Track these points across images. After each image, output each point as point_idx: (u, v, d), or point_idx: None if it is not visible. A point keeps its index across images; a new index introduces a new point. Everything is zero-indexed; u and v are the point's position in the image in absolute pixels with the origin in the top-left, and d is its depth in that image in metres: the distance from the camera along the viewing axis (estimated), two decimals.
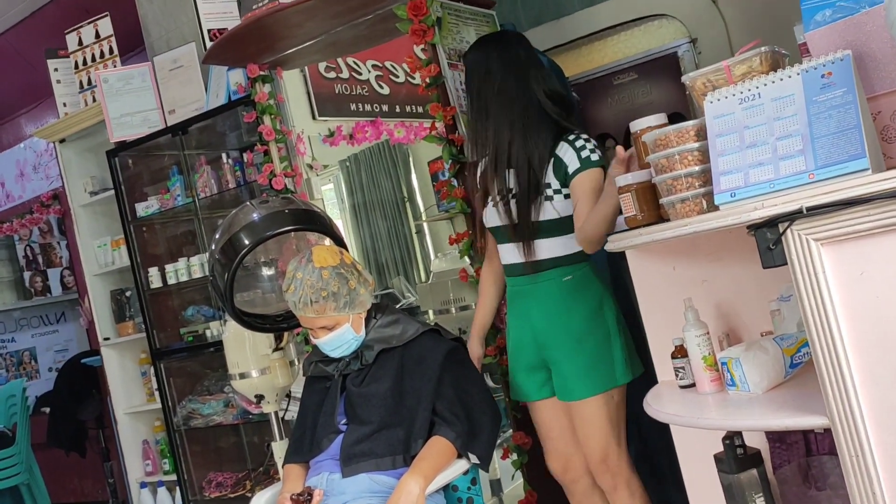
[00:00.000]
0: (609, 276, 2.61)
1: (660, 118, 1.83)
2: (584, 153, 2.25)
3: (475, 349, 2.54)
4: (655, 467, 3.11)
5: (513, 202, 2.30)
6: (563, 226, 2.28)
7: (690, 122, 1.63)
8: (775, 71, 1.54)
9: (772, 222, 1.39)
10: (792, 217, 1.37)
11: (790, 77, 1.49)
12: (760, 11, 3.28)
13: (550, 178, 2.28)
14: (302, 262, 2.20)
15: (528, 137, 2.28)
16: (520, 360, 2.43)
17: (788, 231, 1.38)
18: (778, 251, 1.40)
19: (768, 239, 1.41)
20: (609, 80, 3.84)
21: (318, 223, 2.39)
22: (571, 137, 2.28)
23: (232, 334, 2.77)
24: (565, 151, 2.27)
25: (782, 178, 1.46)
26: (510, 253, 2.37)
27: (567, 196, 2.27)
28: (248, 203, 2.40)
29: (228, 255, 2.27)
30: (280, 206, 2.33)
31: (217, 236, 2.35)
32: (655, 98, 3.72)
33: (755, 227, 1.42)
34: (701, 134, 1.61)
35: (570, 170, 2.25)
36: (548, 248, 2.30)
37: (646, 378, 3.09)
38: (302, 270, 2.18)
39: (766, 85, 1.52)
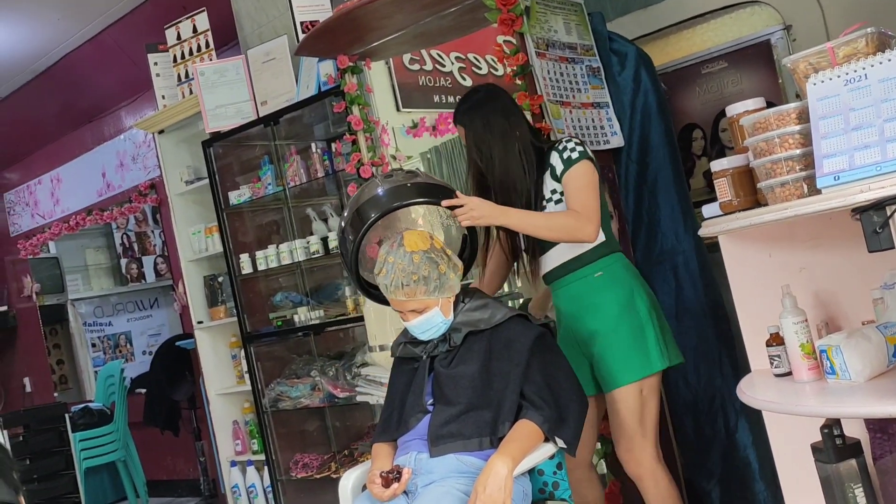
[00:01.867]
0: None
1: (758, 102, 1.80)
2: (566, 154, 2.42)
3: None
4: (746, 464, 3.06)
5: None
6: None
7: (792, 105, 1.60)
8: (882, 52, 1.50)
9: (879, 205, 1.36)
10: None
11: None
12: None
13: (553, 184, 2.44)
14: (393, 247, 2.25)
15: (516, 168, 2.46)
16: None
17: None
18: (885, 235, 1.37)
19: (875, 222, 1.38)
20: (697, 70, 3.76)
21: (443, 195, 2.37)
22: (558, 145, 2.46)
23: (373, 307, 2.84)
24: (554, 158, 2.44)
25: (890, 161, 1.42)
26: (545, 263, 2.52)
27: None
28: (373, 178, 2.45)
29: (355, 226, 2.33)
30: (403, 179, 2.35)
31: (345, 211, 2.42)
32: (746, 87, 3.63)
33: (861, 211, 1.39)
34: (802, 116, 1.59)
35: (559, 172, 2.42)
36: (562, 251, 2.45)
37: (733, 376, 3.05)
38: (393, 254, 2.23)
39: (872, 66, 1.48)
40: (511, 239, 2.61)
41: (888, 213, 1.36)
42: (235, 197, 4.12)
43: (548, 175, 2.45)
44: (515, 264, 2.69)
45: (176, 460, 5.81)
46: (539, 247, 2.50)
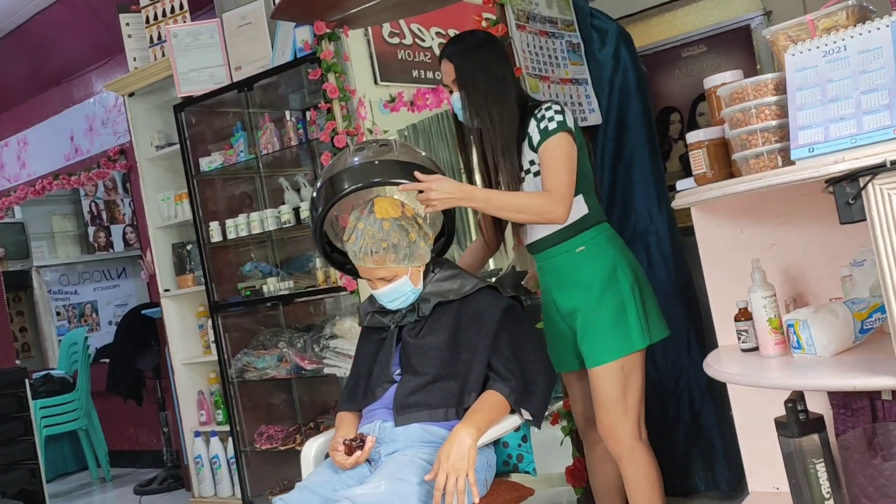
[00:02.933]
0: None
1: (736, 74, 1.79)
2: (543, 123, 2.28)
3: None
4: (709, 444, 3.08)
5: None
6: None
7: (769, 76, 1.59)
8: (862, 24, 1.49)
9: (852, 176, 1.35)
10: (874, 171, 1.33)
11: (878, 29, 1.44)
12: None
13: (530, 154, 2.32)
14: (364, 213, 2.21)
15: (503, 127, 2.32)
16: (551, 334, 2.50)
17: (870, 185, 1.34)
18: (857, 206, 1.36)
19: (847, 193, 1.37)
20: (678, 53, 3.76)
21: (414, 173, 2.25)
22: (536, 111, 2.31)
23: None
24: (531, 126, 2.31)
25: (865, 133, 1.41)
26: (529, 233, 2.43)
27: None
28: (347, 147, 2.36)
29: (323, 198, 2.26)
30: (374, 155, 2.25)
31: (318, 180, 2.34)
32: (725, 71, 3.63)
33: (834, 182, 1.38)
34: (780, 88, 1.57)
35: (535, 143, 2.29)
36: (540, 227, 2.35)
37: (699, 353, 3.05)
38: (364, 221, 2.19)
39: (852, 37, 1.47)
40: (491, 217, 2.50)
41: (861, 185, 1.35)
42: (206, 164, 4.05)
43: (525, 144, 2.33)
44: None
45: (139, 430, 5.75)
46: None
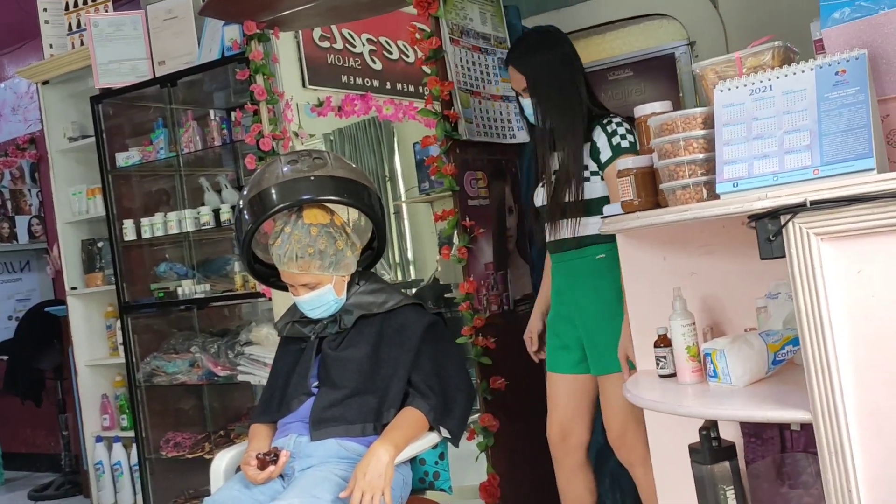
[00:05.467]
0: None
1: (665, 105, 1.83)
2: (615, 140, 2.31)
3: (535, 324, 2.60)
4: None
5: (552, 184, 2.38)
6: (594, 207, 2.32)
7: (698, 110, 1.62)
8: (787, 66, 1.53)
9: (774, 213, 1.39)
10: (795, 210, 1.37)
11: (803, 72, 1.49)
12: (761, 19, 3.29)
13: (588, 160, 2.34)
14: (292, 217, 2.16)
15: (570, 123, 2.34)
16: (557, 335, 2.48)
17: (790, 223, 1.38)
18: (777, 243, 1.40)
19: (769, 230, 1.41)
20: (604, 76, 3.83)
21: (352, 190, 2.22)
22: (605, 121, 2.34)
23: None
24: (599, 135, 2.33)
25: (787, 172, 1.45)
26: (549, 231, 2.44)
27: (602, 178, 2.33)
28: (278, 159, 2.28)
29: (254, 210, 2.18)
30: (308, 170, 2.19)
31: (246, 189, 2.26)
32: (649, 97, 3.71)
33: (757, 218, 1.42)
34: (708, 122, 1.61)
35: (603, 158, 2.32)
36: (582, 226, 2.35)
37: None
38: (291, 225, 2.15)
39: (778, 78, 1.51)
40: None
41: (782, 223, 1.39)
42: (123, 159, 3.91)
43: (586, 149, 2.33)
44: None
45: (36, 433, 5.49)
46: (560, 212, 2.36)
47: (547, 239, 2.46)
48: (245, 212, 2.22)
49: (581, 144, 2.33)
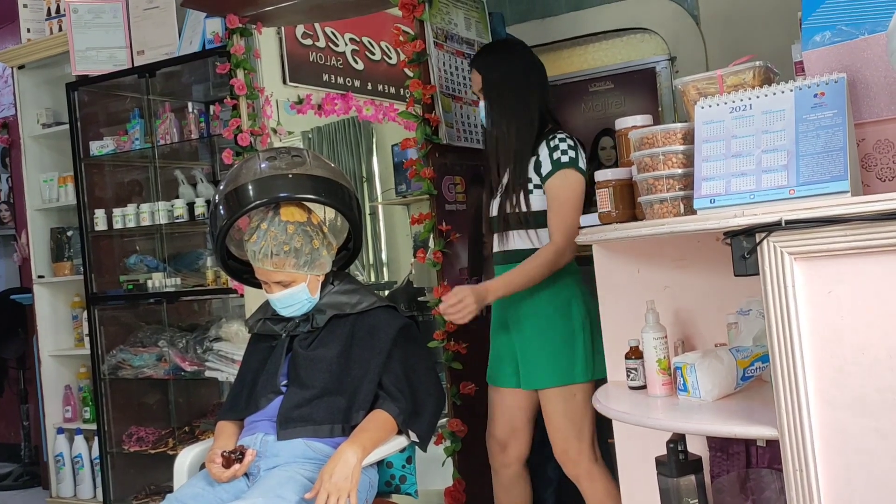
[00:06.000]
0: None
1: (646, 119, 1.84)
2: (556, 154, 2.31)
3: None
4: None
5: (499, 197, 2.40)
6: (535, 220, 2.34)
7: (679, 125, 1.64)
8: (767, 86, 1.55)
9: (750, 231, 1.40)
10: (770, 228, 1.38)
11: (783, 92, 1.51)
12: (741, 37, 3.34)
13: (532, 174, 2.35)
14: (269, 214, 2.15)
15: (517, 132, 2.36)
16: (495, 346, 2.50)
17: (765, 242, 1.39)
18: (751, 261, 1.41)
19: (744, 247, 1.42)
20: (585, 87, 3.86)
21: (331, 190, 2.21)
22: (550, 137, 2.35)
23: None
24: (542, 149, 2.34)
25: (763, 191, 1.47)
26: (494, 243, 2.46)
27: (543, 192, 2.34)
28: (256, 155, 2.26)
29: (230, 206, 2.16)
30: (287, 167, 2.17)
31: (223, 184, 2.24)
32: (628, 110, 3.75)
33: (732, 235, 1.43)
34: (687, 137, 1.62)
35: (544, 171, 2.33)
36: (521, 239, 2.37)
37: None
38: (267, 222, 2.13)
39: (758, 97, 1.53)
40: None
41: (757, 240, 1.40)
42: (97, 148, 3.86)
43: (532, 161, 2.35)
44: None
45: None
46: (501, 225, 2.41)
47: (493, 250, 2.48)
48: (221, 207, 2.19)
49: (528, 156, 2.35)
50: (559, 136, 2.34)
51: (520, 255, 2.35)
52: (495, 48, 2.51)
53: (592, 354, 2.32)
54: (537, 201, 2.34)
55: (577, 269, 2.41)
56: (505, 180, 2.39)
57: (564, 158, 2.30)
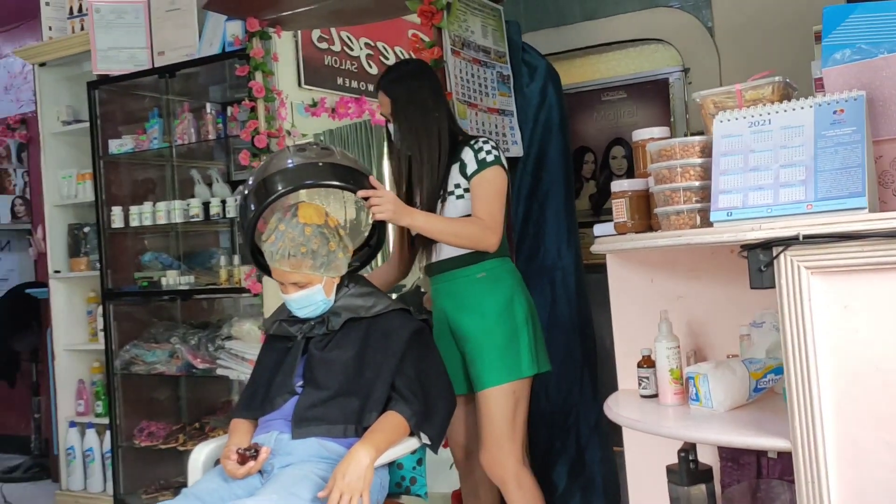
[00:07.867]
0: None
1: (663, 131, 1.86)
2: (481, 155, 2.40)
3: None
4: (590, 480, 3.16)
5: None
6: None
7: (697, 138, 1.66)
8: (787, 101, 1.57)
9: (767, 245, 1.43)
10: (788, 242, 1.40)
11: (802, 108, 1.53)
12: (755, 48, 3.35)
13: (459, 178, 2.42)
14: (287, 216, 2.18)
15: (428, 149, 2.43)
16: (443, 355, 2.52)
17: (782, 255, 1.41)
18: (768, 274, 1.44)
19: (760, 261, 1.44)
20: (598, 96, 3.88)
21: (357, 180, 2.26)
22: (473, 142, 2.44)
23: (273, 283, 2.71)
24: (466, 153, 2.42)
25: (780, 205, 1.49)
26: (425, 256, 2.51)
27: (465, 192, 2.41)
28: (286, 148, 2.32)
29: (259, 196, 2.21)
30: (317, 157, 2.23)
31: (251, 178, 2.28)
32: (640, 120, 3.77)
33: (749, 248, 1.46)
34: (705, 151, 1.65)
35: (469, 171, 2.40)
36: (449, 248, 2.42)
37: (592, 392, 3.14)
38: (285, 223, 2.16)
39: (777, 112, 1.55)
40: (406, 238, 2.58)
41: (774, 254, 1.42)
42: (116, 146, 3.90)
43: (456, 168, 2.42)
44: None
45: (6, 414, 5.42)
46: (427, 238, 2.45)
47: (425, 262, 2.53)
48: (250, 198, 2.24)
49: (439, 170, 2.42)
50: (482, 139, 2.44)
51: (454, 263, 2.43)
52: (402, 71, 2.57)
53: (536, 348, 2.41)
54: (461, 207, 2.41)
55: (513, 267, 2.50)
56: (417, 199, 2.44)
57: (489, 158, 2.39)
